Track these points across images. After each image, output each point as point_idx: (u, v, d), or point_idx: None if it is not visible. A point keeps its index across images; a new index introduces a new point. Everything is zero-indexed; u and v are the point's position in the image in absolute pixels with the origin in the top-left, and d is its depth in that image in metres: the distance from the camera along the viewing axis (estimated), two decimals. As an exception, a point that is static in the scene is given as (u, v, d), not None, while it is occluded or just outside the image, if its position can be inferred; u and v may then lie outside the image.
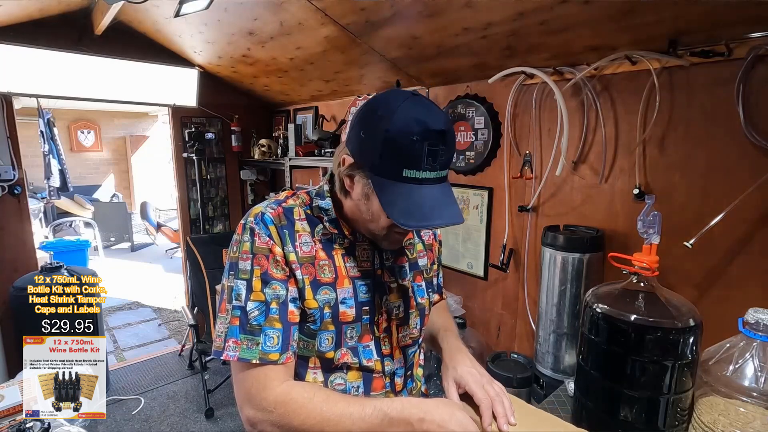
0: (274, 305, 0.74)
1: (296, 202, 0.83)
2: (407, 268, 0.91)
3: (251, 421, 0.72)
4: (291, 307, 0.75)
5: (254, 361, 0.71)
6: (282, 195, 0.85)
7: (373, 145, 0.69)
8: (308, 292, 0.77)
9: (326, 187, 0.83)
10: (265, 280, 0.74)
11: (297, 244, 0.77)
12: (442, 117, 0.69)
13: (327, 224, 0.81)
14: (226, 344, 0.72)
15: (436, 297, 1.06)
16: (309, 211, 0.82)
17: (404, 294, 0.88)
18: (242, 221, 0.78)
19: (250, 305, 0.73)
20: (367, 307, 0.82)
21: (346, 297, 0.80)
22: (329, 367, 0.80)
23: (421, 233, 0.99)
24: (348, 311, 0.79)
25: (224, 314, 0.75)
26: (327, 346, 0.78)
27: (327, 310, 0.77)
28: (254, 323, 0.73)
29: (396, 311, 0.87)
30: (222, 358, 0.72)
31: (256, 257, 0.74)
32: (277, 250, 0.75)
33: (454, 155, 2.12)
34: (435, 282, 1.01)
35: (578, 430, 0.77)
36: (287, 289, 0.75)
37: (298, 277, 0.76)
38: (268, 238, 0.75)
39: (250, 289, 0.74)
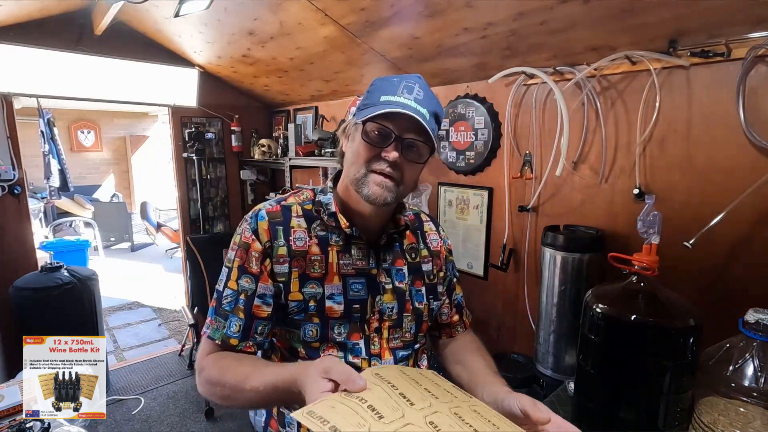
0: (242, 296, 0.81)
1: (297, 200, 0.88)
2: (405, 271, 0.90)
3: (197, 382, 0.81)
4: (257, 302, 0.81)
5: (217, 341, 0.81)
6: (286, 194, 0.91)
7: (365, 97, 0.79)
8: (294, 285, 0.81)
9: (330, 184, 0.89)
10: (241, 272, 0.81)
11: (291, 238, 0.83)
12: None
13: (325, 217, 0.85)
14: (206, 322, 0.83)
15: (455, 317, 1.02)
16: (309, 207, 0.87)
17: (400, 296, 0.88)
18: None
19: (225, 291, 0.82)
20: (357, 305, 0.84)
21: (334, 293, 0.83)
22: None
23: (427, 240, 0.97)
24: (335, 306, 0.82)
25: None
26: (311, 336, 0.82)
27: (312, 303, 0.81)
28: (226, 308, 0.81)
29: (389, 312, 0.87)
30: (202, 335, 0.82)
31: (239, 249, 0.82)
32: (257, 246, 0.81)
33: (454, 153, 2.13)
34: (439, 290, 0.96)
35: None
36: (257, 285, 0.81)
37: (284, 270, 0.81)
38: (251, 234, 0.82)
39: (228, 277, 0.82)
